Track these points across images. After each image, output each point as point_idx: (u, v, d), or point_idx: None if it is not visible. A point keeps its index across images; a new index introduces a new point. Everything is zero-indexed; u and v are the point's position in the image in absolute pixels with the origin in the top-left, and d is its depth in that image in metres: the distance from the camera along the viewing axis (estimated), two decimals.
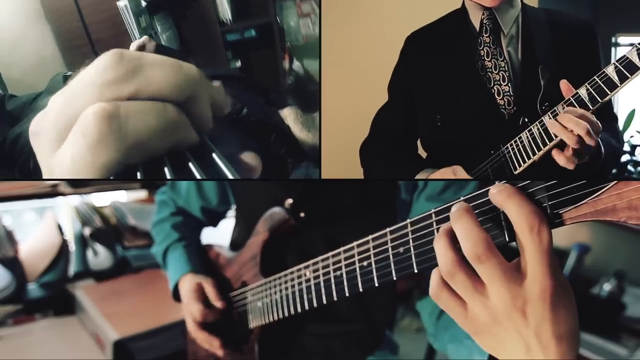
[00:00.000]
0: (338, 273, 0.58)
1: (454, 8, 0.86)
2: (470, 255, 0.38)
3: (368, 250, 0.53)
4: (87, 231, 1.64)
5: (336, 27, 1.27)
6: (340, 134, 1.11)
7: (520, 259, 0.38)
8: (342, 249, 0.57)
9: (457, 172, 0.74)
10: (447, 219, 0.42)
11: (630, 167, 1.52)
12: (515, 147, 0.74)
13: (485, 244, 0.37)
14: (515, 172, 0.74)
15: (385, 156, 0.89)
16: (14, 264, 1.45)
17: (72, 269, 1.59)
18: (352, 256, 0.55)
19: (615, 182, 0.35)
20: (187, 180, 0.83)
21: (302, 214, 0.80)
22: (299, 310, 0.68)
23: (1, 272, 1.43)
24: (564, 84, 0.69)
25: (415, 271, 0.47)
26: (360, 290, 0.55)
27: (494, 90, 0.78)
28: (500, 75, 0.78)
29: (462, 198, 0.42)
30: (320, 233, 0.81)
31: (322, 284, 0.62)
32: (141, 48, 1.03)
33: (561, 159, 0.67)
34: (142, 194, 1.92)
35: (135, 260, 1.66)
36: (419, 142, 0.92)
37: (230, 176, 0.32)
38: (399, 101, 0.91)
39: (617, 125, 0.81)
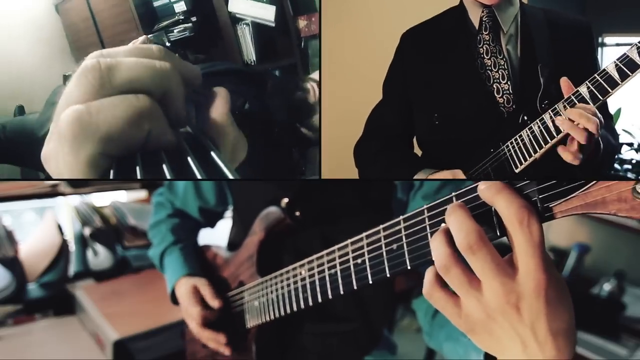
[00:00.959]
0: (332, 271, 0.58)
1: (450, 6, 0.85)
2: (463, 245, 0.38)
3: (362, 247, 0.53)
4: (87, 231, 1.64)
5: (336, 28, 1.27)
6: (340, 134, 1.11)
7: (512, 254, 0.38)
8: (336, 247, 0.57)
9: (458, 176, 0.74)
10: (439, 215, 0.43)
11: (616, 165, 1.52)
12: (516, 145, 0.74)
13: (477, 234, 0.37)
14: (517, 171, 0.74)
15: (382, 156, 0.88)
16: (14, 264, 1.45)
17: (72, 269, 1.59)
18: (347, 254, 0.55)
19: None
20: (186, 180, 0.83)
21: (297, 213, 0.80)
22: (295, 309, 0.69)
23: (1, 272, 1.44)
24: (564, 82, 0.70)
25: (409, 267, 0.47)
26: (355, 287, 0.55)
27: (493, 88, 0.78)
28: (499, 74, 0.78)
29: (453, 194, 0.42)
30: (316, 232, 0.81)
31: (317, 282, 0.62)
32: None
33: (567, 155, 0.68)
34: (142, 194, 1.93)
35: (135, 260, 1.66)
36: (414, 140, 0.92)
37: (230, 176, 0.32)
38: (395, 99, 0.90)
39: (612, 123, 0.81)
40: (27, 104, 1.43)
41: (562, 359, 0.39)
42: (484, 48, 0.79)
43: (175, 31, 1.56)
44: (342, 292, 0.57)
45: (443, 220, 0.42)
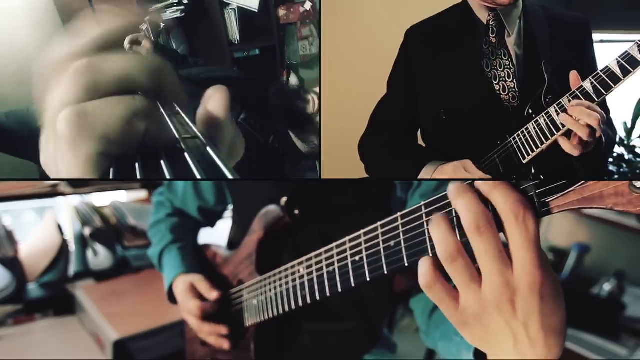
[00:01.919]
0: (331, 269, 0.58)
1: (453, 3, 0.86)
2: (471, 226, 0.37)
3: (360, 244, 0.53)
4: (87, 231, 1.64)
5: (336, 27, 1.27)
6: (340, 135, 1.11)
7: (509, 248, 0.38)
8: (334, 244, 0.58)
9: (467, 165, 0.74)
10: (437, 211, 0.43)
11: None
12: (522, 137, 0.76)
13: (486, 217, 0.37)
14: (524, 161, 0.76)
15: (389, 148, 0.89)
16: (14, 264, 1.45)
17: (72, 269, 1.59)
18: (345, 251, 0.55)
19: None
20: (186, 180, 0.83)
21: (297, 212, 0.80)
22: (294, 307, 0.69)
23: (1, 272, 1.44)
24: (573, 75, 0.72)
25: (406, 264, 0.47)
26: (353, 285, 0.55)
27: (499, 86, 0.80)
28: (505, 72, 0.80)
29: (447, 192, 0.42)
30: (315, 231, 0.81)
31: (315, 280, 0.62)
32: (134, 42, 1.03)
33: (567, 146, 0.70)
34: (142, 194, 1.93)
35: (135, 260, 1.66)
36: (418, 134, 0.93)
37: (229, 176, 0.32)
38: (400, 95, 0.91)
39: (610, 116, 0.83)
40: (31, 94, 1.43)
41: (551, 357, 0.39)
42: (490, 49, 0.81)
43: (168, 12, 1.69)
44: (340, 290, 0.57)
45: None
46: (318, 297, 0.62)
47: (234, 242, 0.98)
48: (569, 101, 0.71)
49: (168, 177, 0.31)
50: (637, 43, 0.68)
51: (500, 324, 0.38)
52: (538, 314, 0.37)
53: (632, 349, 1.63)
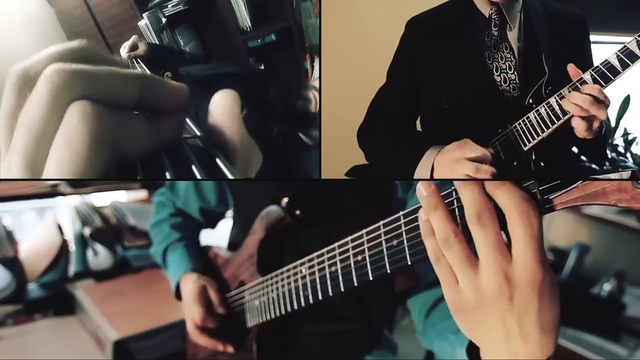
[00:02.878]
0: (333, 269, 0.58)
1: None
2: (473, 215, 0.38)
3: (362, 244, 0.53)
4: (87, 231, 1.64)
5: (337, 24, 1.27)
6: (340, 134, 1.10)
7: (511, 246, 0.38)
8: (336, 244, 0.57)
9: (468, 144, 0.75)
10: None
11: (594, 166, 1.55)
12: (523, 125, 0.78)
13: (488, 208, 0.38)
14: (525, 149, 0.78)
15: (391, 136, 0.89)
16: (14, 264, 1.45)
17: (72, 269, 1.59)
18: (347, 251, 0.55)
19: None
20: (187, 180, 0.83)
21: (298, 212, 0.80)
22: (296, 307, 0.68)
23: (1, 272, 1.44)
24: (571, 68, 0.74)
25: (409, 263, 0.46)
26: (355, 284, 0.55)
27: (500, 77, 0.82)
28: (506, 65, 0.81)
29: (452, 189, 0.42)
30: (317, 231, 0.81)
31: (317, 280, 0.62)
32: (132, 48, 1.03)
33: (582, 127, 0.72)
34: (142, 194, 1.93)
35: (135, 260, 1.66)
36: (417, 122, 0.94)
37: (230, 176, 0.32)
38: (401, 84, 0.92)
39: None
40: None
41: (542, 355, 0.39)
42: (492, 42, 0.82)
43: (169, 6, 1.57)
44: (342, 290, 0.57)
45: None
46: (320, 298, 0.62)
47: (235, 243, 0.98)
48: (569, 92, 0.73)
49: (169, 177, 0.31)
50: (637, 38, 0.70)
51: (493, 317, 0.38)
52: (535, 311, 0.37)
53: (632, 349, 1.63)
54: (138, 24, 1.48)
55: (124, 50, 1.01)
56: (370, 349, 0.90)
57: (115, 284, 1.57)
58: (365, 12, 1.29)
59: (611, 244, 2.04)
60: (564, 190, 0.37)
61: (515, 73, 0.81)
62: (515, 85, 0.81)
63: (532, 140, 0.77)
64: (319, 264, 0.62)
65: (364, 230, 0.53)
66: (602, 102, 0.70)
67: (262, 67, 1.73)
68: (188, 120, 0.44)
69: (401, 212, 0.48)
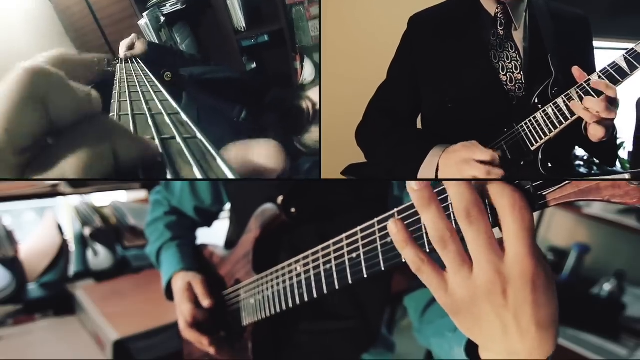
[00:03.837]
0: (328, 266, 0.58)
1: None
2: (462, 213, 0.37)
3: (357, 241, 0.53)
4: (87, 231, 1.64)
5: (337, 23, 1.27)
6: (340, 134, 1.10)
7: (503, 239, 0.38)
8: (331, 241, 0.58)
9: (475, 145, 0.76)
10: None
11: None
12: (530, 125, 0.79)
13: (477, 205, 0.37)
14: (532, 148, 0.79)
15: (393, 134, 0.89)
16: (14, 264, 1.46)
17: (72, 269, 1.59)
18: (342, 248, 0.56)
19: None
20: (185, 180, 0.83)
21: (293, 210, 0.80)
22: (291, 305, 0.69)
23: (1, 272, 1.44)
24: (577, 70, 0.74)
25: (403, 260, 0.46)
26: (350, 282, 0.55)
27: (506, 77, 0.82)
28: (512, 64, 0.82)
29: (442, 187, 0.42)
30: (312, 229, 0.81)
31: (312, 277, 0.62)
32: (130, 47, 1.03)
33: (596, 129, 0.72)
34: (142, 194, 1.93)
35: (135, 260, 1.66)
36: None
37: (230, 176, 0.32)
38: (403, 82, 0.91)
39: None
40: None
41: (543, 352, 0.38)
42: (497, 41, 0.82)
43: (167, 5, 1.62)
44: (337, 287, 0.58)
45: None
46: (315, 295, 0.62)
47: (231, 242, 0.98)
48: (577, 93, 0.74)
49: (169, 176, 0.31)
50: None
51: (489, 314, 0.38)
52: (530, 305, 0.37)
53: (632, 349, 1.62)
54: (138, 22, 1.49)
55: (122, 49, 1.01)
56: (367, 348, 0.90)
57: (115, 284, 1.57)
58: (364, 10, 1.29)
59: (611, 244, 2.04)
60: (557, 187, 0.37)
61: (522, 73, 0.81)
62: (521, 85, 0.81)
63: (539, 140, 0.77)
64: (313, 261, 0.62)
65: (358, 228, 0.53)
66: (615, 103, 0.70)
67: (254, 65, 1.77)
68: (188, 121, 0.44)
69: (395, 209, 0.48)
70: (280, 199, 0.81)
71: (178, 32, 1.65)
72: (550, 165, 0.78)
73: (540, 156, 0.79)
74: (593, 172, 0.81)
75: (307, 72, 1.72)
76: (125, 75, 0.76)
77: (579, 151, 0.82)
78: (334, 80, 1.22)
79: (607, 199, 0.34)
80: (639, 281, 1.92)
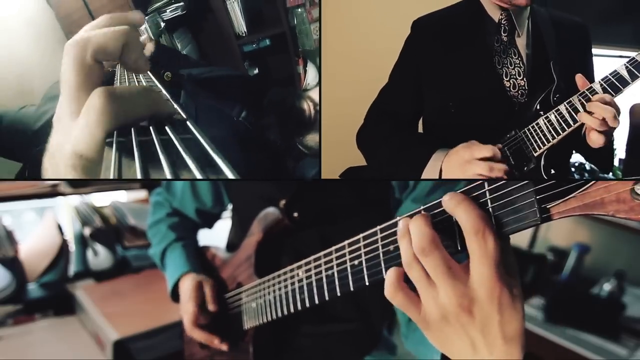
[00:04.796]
0: (330, 272, 0.58)
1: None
2: (417, 249, 0.40)
3: (359, 249, 0.53)
4: (87, 231, 1.64)
5: (337, 24, 1.26)
6: (340, 134, 1.10)
7: (469, 262, 0.40)
8: (333, 248, 0.57)
9: (475, 144, 0.76)
10: (436, 216, 0.44)
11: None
12: (533, 131, 0.80)
13: (429, 239, 0.40)
14: (535, 154, 0.80)
15: (394, 139, 0.89)
16: (14, 264, 1.46)
17: (72, 269, 1.59)
18: (344, 255, 0.55)
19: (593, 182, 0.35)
20: (185, 180, 0.83)
21: (295, 214, 0.80)
22: (292, 310, 0.69)
23: (1, 272, 1.44)
24: (579, 78, 0.75)
25: None
26: (352, 289, 0.55)
27: (510, 83, 0.83)
28: (515, 71, 0.83)
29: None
30: (315, 233, 0.81)
31: (314, 283, 0.62)
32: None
33: (595, 137, 0.73)
34: (142, 194, 1.93)
35: (135, 260, 1.66)
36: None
37: (230, 176, 0.32)
38: (406, 86, 0.91)
39: None
40: (32, 102, 1.43)
41: None
42: (501, 47, 0.83)
43: (167, 11, 1.62)
44: (339, 294, 0.57)
45: (440, 222, 0.43)
46: (317, 301, 0.62)
47: (233, 244, 0.98)
48: (579, 100, 0.75)
49: (168, 176, 0.31)
50: None
51: (458, 331, 0.40)
52: (497, 322, 0.39)
53: (632, 349, 1.63)
54: (138, 28, 1.50)
55: None
56: (369, 350, 0.90)
57: (115, 284, 1.57)
58: (364, 13, 1.29)
59: (611, 244, 2.03)
60: (561, 200, 0.37)
61: (525, 79, 0.82)
62: (523, 91, 0.82)
63: (542, 146, 0.79)
64: (315, 267, 0.62)
65: (361, 235, 0.53)
66: (617, 112, 0.71)
67: (257, 70, 1.76)
68: (188, 121, 0.44)
69: (398, 218, 0.47)
70: (282, 202, 0.81)
71: (179, 39, 1.64)
72: (553, 171, 0.78)
73: (543, 162, 0.79)
74: (584, 178, 0.81)
75: (311, 76, 1.70)
76: (126, 75, 0.76)
77: (572, 158, 0.83)
78: (334, 83, 1.22)
79: (612, 214, 0.34)
80: (639, 281, 1.92)
